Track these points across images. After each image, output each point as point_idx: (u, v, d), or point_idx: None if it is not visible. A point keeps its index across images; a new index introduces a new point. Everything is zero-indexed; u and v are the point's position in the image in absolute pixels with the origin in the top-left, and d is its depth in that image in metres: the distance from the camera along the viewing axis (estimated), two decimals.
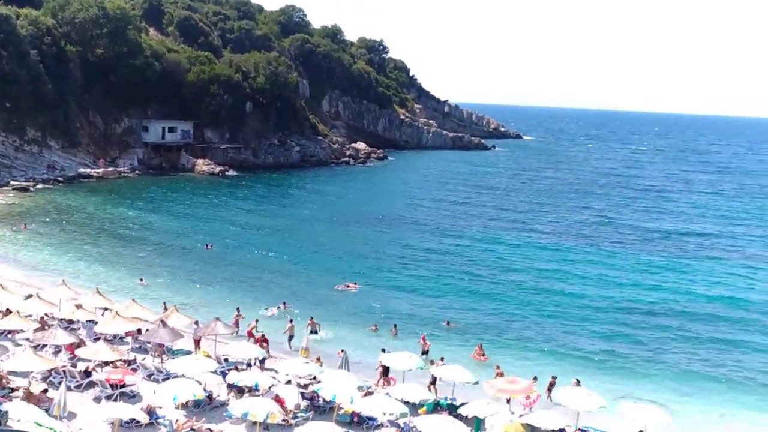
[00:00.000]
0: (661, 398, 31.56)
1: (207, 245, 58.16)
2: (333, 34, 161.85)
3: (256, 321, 37.49)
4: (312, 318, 38.74)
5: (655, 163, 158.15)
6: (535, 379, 30.64)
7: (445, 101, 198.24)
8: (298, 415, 26.88)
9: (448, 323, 41.27)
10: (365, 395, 27.85)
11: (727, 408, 31.71)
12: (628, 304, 46.66)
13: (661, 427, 26.22)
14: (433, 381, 31.10)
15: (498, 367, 32.83)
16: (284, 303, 42.98)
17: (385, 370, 31.79)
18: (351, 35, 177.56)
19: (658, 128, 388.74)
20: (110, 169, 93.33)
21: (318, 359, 32.46)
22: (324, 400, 27.90)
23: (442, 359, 33.12)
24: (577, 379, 31.06)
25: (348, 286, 48.35)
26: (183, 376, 28.26)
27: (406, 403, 26.88)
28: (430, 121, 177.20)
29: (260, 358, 32.29)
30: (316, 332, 37.73)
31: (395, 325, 39.99)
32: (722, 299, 48.13)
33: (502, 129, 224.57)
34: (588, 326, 42.12)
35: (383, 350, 33.04)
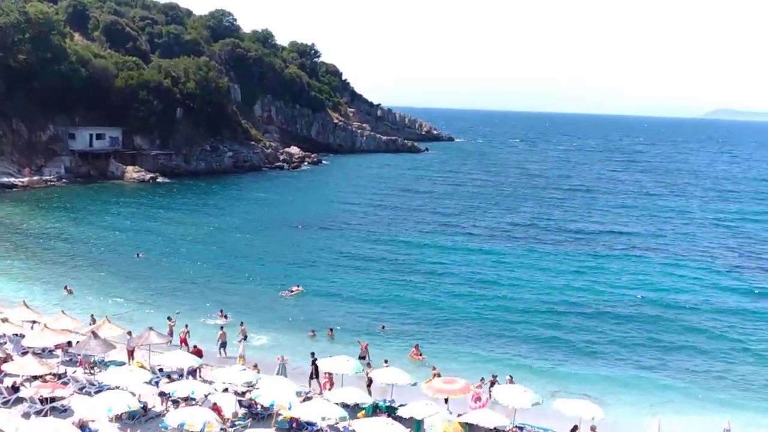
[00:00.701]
0: (595, 392, 32.46)
1: (138, 254, 57.05)
2: (264, 38, 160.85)
3: (186, 326, 37.00)
4: (242, 324, 38.52)
5: (584, 163, 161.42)
6: (482, 380, 31.04)
7: (378, 105, 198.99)
8: (236, 423, 26.62)
9: (383, 327, 41.38)
10: (304, 401, 27.75)
11: (656, 398, 32.74)
12: (559, 302, 47.55)
13: (595, 421, 26.85)
14: (370, 383, 31.22)
15: (435, 368, 33.10)
16: (221, 311, 42.48)
17: (316, 371, 31.98)
18: (282, 39, 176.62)
19: (587, 129, 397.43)
20: (36, 178, 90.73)
21: (255, 366, 32.19)
22: (262, 407, 27.68)
23: (386, 362, 33.29)
24: (510, 376, 31.63)
25: (292, 291, 48.20)
26: (117, 387, 27.68)
27: (345, 406, 26.90)
28: (364, 125, 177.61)
29: (195, 367, 31.84)
30: (245, 338, 37.40)
31: (331, 330, 40.02)
32: (648, 297, 49.44)
33: (435, 132, 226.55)
34: (521, 325, 42.81)
35: (312, 353, 33.15)
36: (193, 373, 31.62)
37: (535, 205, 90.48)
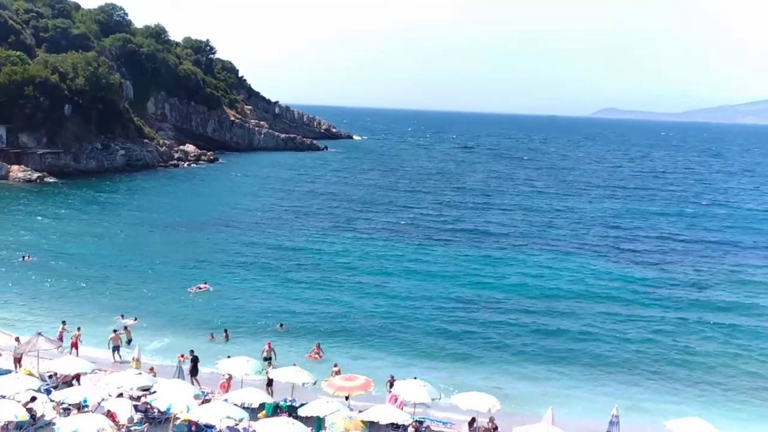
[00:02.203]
0: (493, 383, 33.44)
1: (24, 256, 54.56)
2: (157, 34, 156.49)
3: (79, 329, 35.76)
4: (126, 327, 37.70)
5: (482, 162, 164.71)
6: (392, 377, 31.19)
7: (276, 102, 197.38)
8: (132, 428, 25.92)
9: (281, 325, 41.14)
10: (202, 403, 27.28)
11: (550, 387, 33.92)
12: (456, 298, 48.47)
13: (492, 412, 27.57)
14: (270, 383, 31.01)
15: (336, 366, 33.20)
16: (122, 315, 41.25)
17: (194, 368, 32.01)
18: (176, 35, 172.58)
19: (491, 128, 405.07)
20: None
21: (151, 369, 31.42)
22: (159, 411, 27.03)
23: (335, 365, 33.27)
24: (415, 378, 31.98)
25: (200, 288, 47.85)
26: (2, 397, 26.44)
27: (246, 407, 26.61)
28: (262, 123, 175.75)
29: (86, 373, 30.74)
30: (129, 341, 36.45)
31: (226, 331, 39.45)
32: (538, 290, 51.03)
33: (334, 130, 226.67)
34: (420, 321, 43.43)
35: (191, 351, 32.90)
36: (77, 378, 30.51)
37: (432, 202, 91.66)
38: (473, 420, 28.13)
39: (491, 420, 27.85)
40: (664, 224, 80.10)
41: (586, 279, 54.15)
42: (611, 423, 27.78)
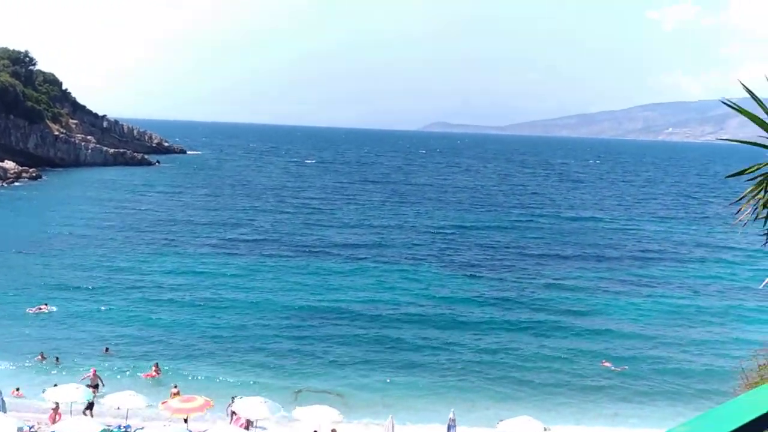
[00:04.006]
0: (334, 394, 33.88)
1: None
2: None
3: None
4: None
5: (316, 176, 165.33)
6: (233, 398, 30.60)
7: (104, 116, 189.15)
8: None
9: (107, 350, 39.47)
10: None
11: (389, 396, 34.73)
12: (293, 311, 48.36)
13: (334, 424, 27.88)
14: (90, 407, 29.73)
15: (174, 386, 32.32)
16: None
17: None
18: None
19: (324, 143, 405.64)
20: None
21: None
22: None
23: (175, 386, 31.93)
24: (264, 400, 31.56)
25: (41, 309, 45.72)
26: None
27: None
28: (89, 137, 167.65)
29: None
30: None
31: (57, 358, 37.51)
32: (375, 300, 52.02)
33: (166, 144, 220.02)
34: (259, 336, 43.11)
35: (55, 385, 31.01)
36: None
37: (266, 219, 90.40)
38: None
39: (333, 431, 28.13)
40: (494, 234, 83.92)
41: (420, 289, 55.66)
42: (449, 427, 28.86)
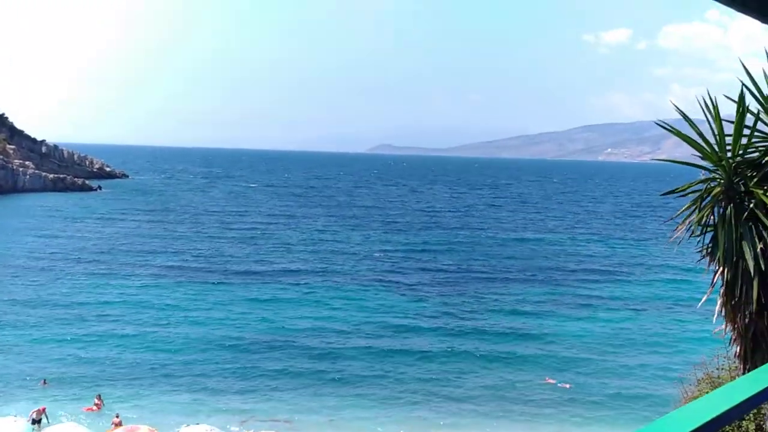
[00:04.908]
0: (283, 417, 33.68)
1: None
2: None
3: None
4: None
5: (262, 199, 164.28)
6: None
7: (43, 141, 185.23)
8: None
9: (44, 382, 38.35)
10: None
11: (337, 416, 34.65)
12: (236, 337, 47.70)
13: None
14: None
15: (117, 416, 31.66)
16: None
17: None
18: None
19: (273, 164, 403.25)
20: None
21: None
22: None
23: (117, 416, 31.17)
24: (210, 427, 31.21)
25: None
26: None
27: None
28: (27, 163, 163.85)
29: None
30: None
31: None
32: (319, 321, 52.17)
33: (107, 169, 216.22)
34: (202, 362, 42.53)
35: None
36: None
37: (209, 244, 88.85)
38: None
39: None
40: (440, 255, 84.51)
41: (367, 313, 55.32)
42: None
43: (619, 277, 71.86)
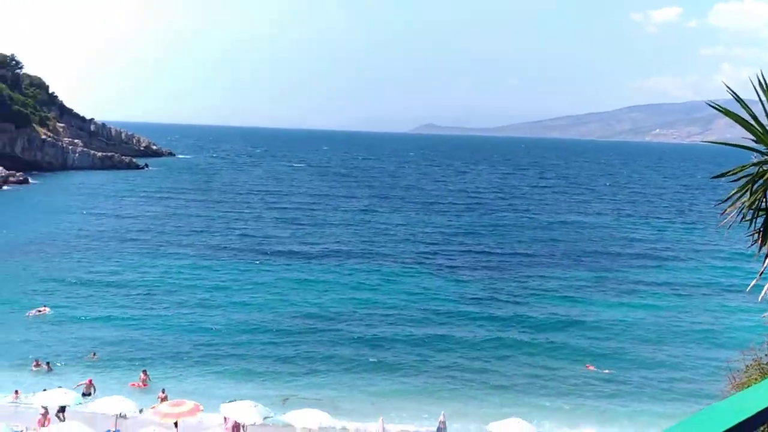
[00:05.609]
0: (324, 397, 33.86)
1: None
2: None
3: None
4: None
5: (306, 179, 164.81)
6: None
7: (91, 120, 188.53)
8: None
9: (94, 354, 39.32)
10: None
11: (379, 397, 34.77)
12: (282, 315, 48.49)
13: (324, 426, 27.90)
14: (62, 410, 29.57)
15: (162, 391, 32.23)
16: None
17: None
18: None
19: (327, 146, 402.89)
20: None
21: None
22: None
23: (162, 391, 31.99)
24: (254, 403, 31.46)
25: (40, 311, 46.16)
26: None
27: None
28: (76, 141, 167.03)
29: None
30: None
31: (48, 363, 37.39)
32: (363, 302, 52.34)
33: (154, 147, 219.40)
34: (248, 339, 43.15)
35: (44, 389, 30.95)
36: None
37: (254, 223, 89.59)
38: None
39: None
40: (483, 237, 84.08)
41: (408, 294, 55.62)
42: (439, 429, 28.89)
43: (666, 262, 70.67)
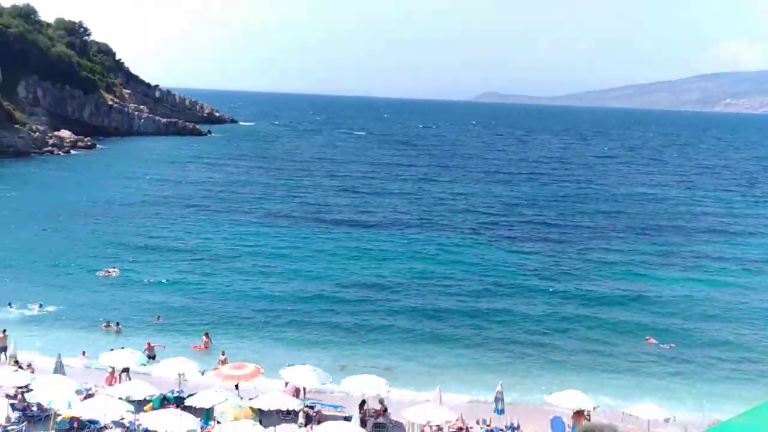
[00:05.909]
0: (382, 365, 34.09)
1: None
2: (26, 14, 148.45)
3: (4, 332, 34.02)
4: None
5: (368, 147, 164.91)
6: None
7: (156, 86, 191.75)
8: (9, 428, 24.83)
9: (158, 318, 40.29)
10: (85, 398, 26.44)
11: (436, 366, 34.84)
12: (341, 282, 48.83)
13: (381, 394, 28.07)
14: (125, 370, 30.35)
15: (223, 354, 32.87)
16: (9, 304, 40.26)
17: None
18: (47, 16, 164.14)
19: (388, 114, 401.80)
20: None
21: (29, 366, 30.15)
22: (39, 409, 26.01)
23: (223, 353, 32.80)
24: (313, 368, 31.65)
25: (109, 272, 48.20)
26: None
27: (132, 401, 25.95)
28: (141, 107, 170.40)
29: None
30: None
31: (117, 324, 38.52)
32: (424, 272, 52.21)
33: (217, 114, 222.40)
34: (308, 305, 43.62)
35: (111, 349, 31.81)
36: None
37: (315, 191, 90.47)
38: (363, 402, 28.52)
39: (381, 401, 28.31)
40: (544, 208, 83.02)
41: (468, 264, 55.37)
42: (496, 399, 28.76)
43: (734, 236, 68.65)
